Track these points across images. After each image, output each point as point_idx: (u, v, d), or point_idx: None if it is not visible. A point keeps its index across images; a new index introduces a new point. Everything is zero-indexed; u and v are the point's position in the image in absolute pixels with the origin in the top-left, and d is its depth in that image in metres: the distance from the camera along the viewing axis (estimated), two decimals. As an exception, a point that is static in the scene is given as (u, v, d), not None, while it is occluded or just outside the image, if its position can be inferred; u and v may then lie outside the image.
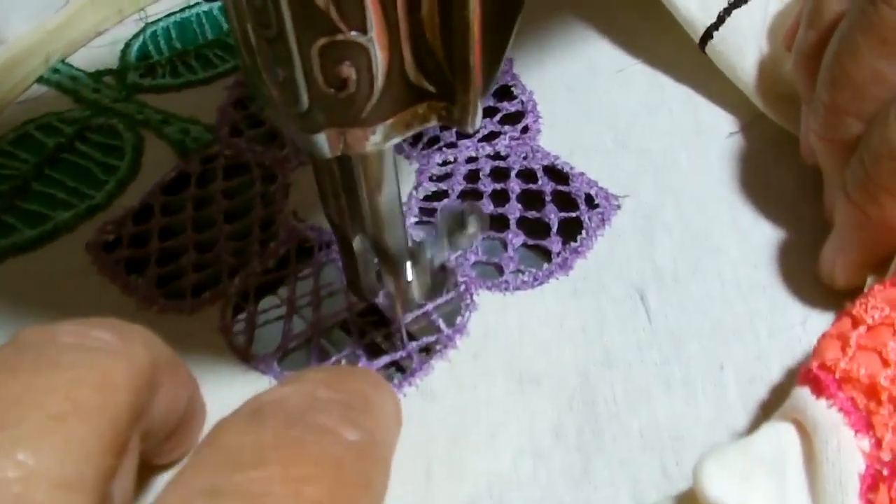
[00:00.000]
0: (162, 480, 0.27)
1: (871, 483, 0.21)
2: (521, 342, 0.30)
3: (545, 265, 0.32)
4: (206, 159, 0.39)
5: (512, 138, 0.37)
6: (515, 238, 0.33)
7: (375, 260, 0.28)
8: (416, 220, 0.35)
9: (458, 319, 0.31)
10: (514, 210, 0.34)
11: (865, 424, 0.22)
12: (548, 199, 0.34)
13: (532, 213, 0.34)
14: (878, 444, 0.22)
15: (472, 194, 0.35)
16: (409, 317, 0.31)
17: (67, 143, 0.40)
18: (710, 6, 0.37)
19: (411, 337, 0.31)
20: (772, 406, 0.27)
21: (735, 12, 0.36)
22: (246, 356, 0.31)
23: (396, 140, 0.22)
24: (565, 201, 0.34)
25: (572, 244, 0.33)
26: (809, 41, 0.30)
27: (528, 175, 0.36)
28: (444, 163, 0.37)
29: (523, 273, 0.32)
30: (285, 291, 0.33)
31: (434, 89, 0.22)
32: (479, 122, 0.22)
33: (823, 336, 0.25)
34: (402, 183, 0.30)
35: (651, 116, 0.37)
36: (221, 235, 0.35)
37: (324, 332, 0.31)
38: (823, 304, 0.30)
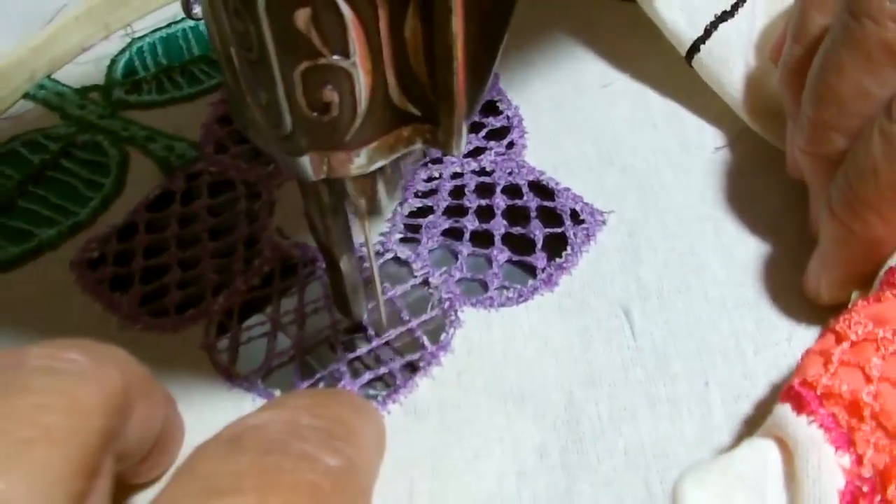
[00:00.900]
0: (140, 499, 0.27)
1: (851, 500, 0.21)
2: (506, 360, 0.30)
3: (530, 281, 0.32)
4: (190, 176, 0.38)
5: (497, 154, 0.37)
6: (500, 254, 0.33)
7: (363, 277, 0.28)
8: (402, 236, 0.35)
9: (443, 336, 0.31)
10: (499, 226, 0.34)
11: (846, 441, 0.22)
12: (533, 214, 0.34)
13: (517, 229, 0.34)
14: (859, 460, 0.22)
15: (457, 210, 0.35)
16: (394, 333, 0.31)
17: (52, 160, 0.40)
18: (697, 20, 0.37)
19: (396, 353, 0.30)
20: (757, 423, 0.27)
21: (722, 26, 0.36)
22: (230, 374, 0.31)
23: (381, 163, 0.22)
24: (550, 217, 0.34)
25: (557, 260, 0.33)
26: (795, 56, 0.31)
27: (513, 191, 0.36)
28: (430, 178, 0.36)
29: (508, 289, 0.32)
30: (270, 309, 0.33)
31: (418, 112, 0.22)
32: (464, 145, 0.22)
33: (807, 353, 0.25)
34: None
35: (637, 131, 0.37)
36: (206, 253, 0.35)
37: (308, 350, 0.31)
38: (809, 319, 0.30)
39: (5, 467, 0.18)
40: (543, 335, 0.30)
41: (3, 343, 0.32)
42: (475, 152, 0.37)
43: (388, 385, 0.30)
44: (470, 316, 0.31)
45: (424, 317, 0.31)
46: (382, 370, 0.30)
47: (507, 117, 0.39)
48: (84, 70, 0.46)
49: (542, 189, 0.35)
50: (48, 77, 0.45)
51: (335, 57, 0.20)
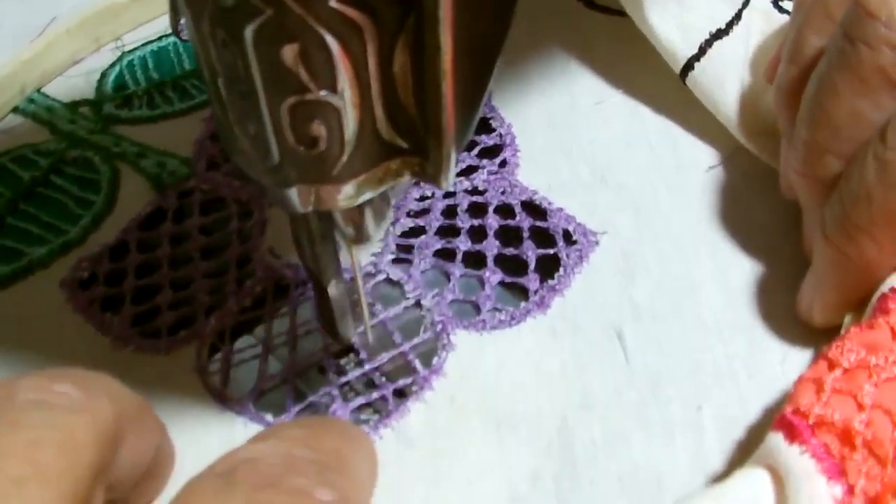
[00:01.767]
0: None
1: (842, 530, 0.21)
2: (499, 384, 0.30)
3: (522, 303, 0.32)
4: (182, 194, 0.38)
5: (490, 172, 0.37)
6: (493, 276, 0.33)
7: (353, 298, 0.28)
8: (393, 256, 0.34)
9: (435, 360, 0.31)
10: (491, 247, 0.34)
11: (838, 471, 0.22)
12: (525, 235, 0.34)
13: (510, 250, 0.34)
14: (851, 490, 0.22)
15: (449, 230, 0.35)
16: (385, 357, 0.31)
17: (42, 177, 0.40)
18: (692, 37, 0.37)
19: (388, 378, 0.30)
20: (750, 448, 0.27)
21: (716, 44, 0.36)
22: (222, 397, 0.31)
23: (369, 195, 0.22)
24: (543, 237, 0.34)
25: (550, 282, 0.32)
26: (790, 77, 0.30)
27: (505, 210, 0.35)
28: (422, 198, 0.36)
29: (500, 311, 0.32)
30: (261, 330, 0.33)
31: (407, 145, 0.22)
32: (452, 177, 0.22)
33: (799, 380, 0.25)
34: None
35: (630, 150, 0.37)
36: (198, 273, 0.35)
37: (299, 373, 0.31)
38: (802, 341, 0.30)
39: None
40: (536, 359, 0.30)
41: (-6, 365, 0.32)
42: (468, 171, 0.37)
43: (380, 411, 0.30)
44: (462, 339, 0.31)
45: (416, 340, 0.31)
46: (374, 395, 0.30)
47: (500, 135, 0.38)
48: (74, 84, 0.45)
49: (534, 209, 0.35)
50: (38, 91, 0.45)
51: (323, 92, 0.20)
